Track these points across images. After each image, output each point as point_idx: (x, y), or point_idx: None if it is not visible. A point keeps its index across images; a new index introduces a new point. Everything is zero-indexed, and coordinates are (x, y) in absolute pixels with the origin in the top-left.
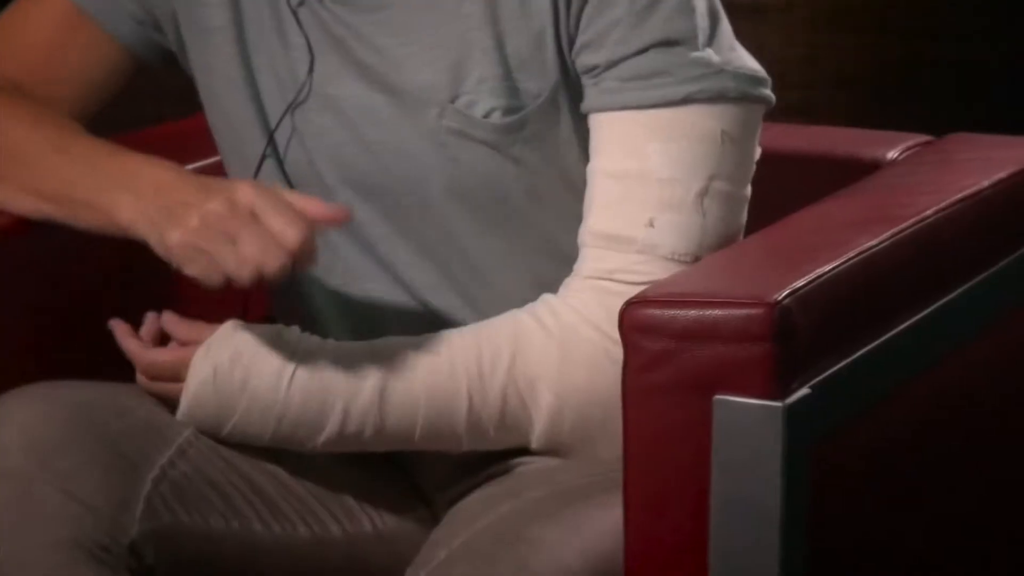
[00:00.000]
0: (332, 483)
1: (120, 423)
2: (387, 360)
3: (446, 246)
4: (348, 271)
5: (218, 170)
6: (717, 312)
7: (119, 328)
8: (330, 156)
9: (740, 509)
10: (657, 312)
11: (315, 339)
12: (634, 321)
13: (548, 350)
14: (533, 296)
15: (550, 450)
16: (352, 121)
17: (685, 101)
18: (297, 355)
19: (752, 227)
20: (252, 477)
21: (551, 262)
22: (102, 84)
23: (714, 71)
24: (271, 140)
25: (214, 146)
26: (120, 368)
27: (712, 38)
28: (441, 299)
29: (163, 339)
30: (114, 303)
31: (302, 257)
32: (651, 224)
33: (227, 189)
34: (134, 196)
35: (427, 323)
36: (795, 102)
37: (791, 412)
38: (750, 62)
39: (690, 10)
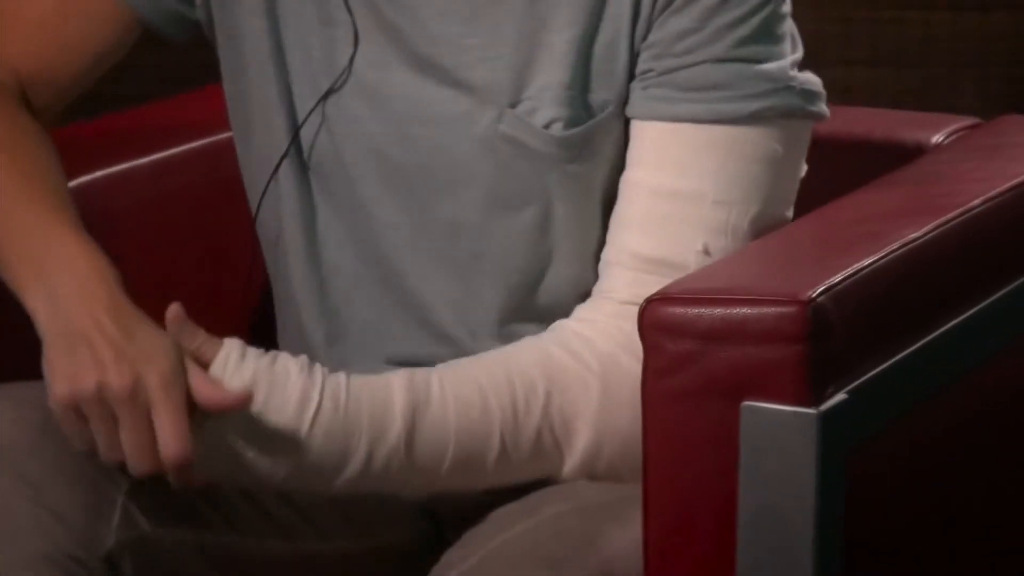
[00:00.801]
0: (333, 495)
1: None
2: (416, 398)
3: (471, 260)
4: (354, 279)
5: (207, 153)
6: (746, 310)
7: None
8: (361, 147)
9: (770, 525)
10: (680, 310)
11: (336, 375)
12: (655, 320)
13: (588, 387)
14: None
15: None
16: (394, 113)
17: (750, 119)
18: (319, 392)
19: None
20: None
21: (584, 277)
22: (104, 56)
23: (781, 86)
24: (296, 133)
25: (198, 130)
26: None
27: (784, 59)
28: (451, 317)
29: None
30: None
31: (175, 472)
32: (706, 250)
33: (141, 363)
34: (49, 300)
35: (434, 342)
36: (830, 81)
37: (825, 419)
38: (812, 77)
39: (775, 38)
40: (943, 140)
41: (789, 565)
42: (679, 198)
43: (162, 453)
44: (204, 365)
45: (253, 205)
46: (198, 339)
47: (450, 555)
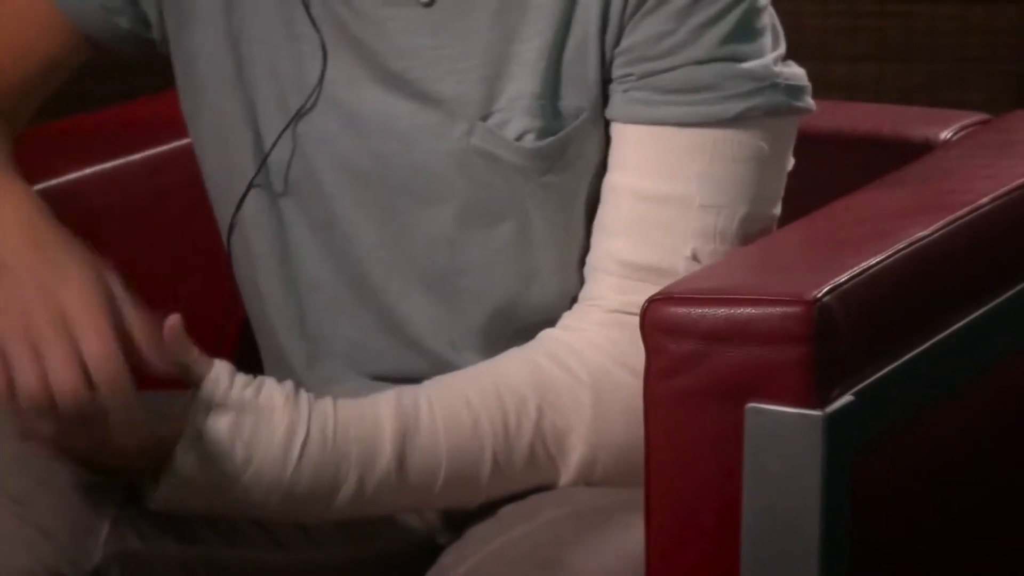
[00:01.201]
0: None
1: None
2: (405, 423)
3: (450, 276)
4: (332, 298)
5: (190, 154)
6: (750, 310)
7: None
8: (334, 165)
9: (774, 528)
10: (683, 311)
11: (322, 403)
12: (657, 320)
13: (580, 400)
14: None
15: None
16: (366, 130)
17: (735, 120)
18: (306, 423)
19: (790, 215)
20: None
21: (567, 286)
22: (55, 67)
23: (766, 84)
24: (266, 155)
25: (183, 126)
26: None
27: (766, 54)
28: (433, 334)
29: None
30: None
31: (104, 383)
32: (694, 256)
33: (61, 285)
34: None
35: (417, 358)
36: (836, 77)
37: (832, 421)
38: (797, 69)
39: (754, 33)
40: (951, 136)
41: (794, 569)
42: (665, 203)
43: (93, 373)
44: (194, 382)
45: (223, 227)
46: (191, 355)
47: (446, 558)
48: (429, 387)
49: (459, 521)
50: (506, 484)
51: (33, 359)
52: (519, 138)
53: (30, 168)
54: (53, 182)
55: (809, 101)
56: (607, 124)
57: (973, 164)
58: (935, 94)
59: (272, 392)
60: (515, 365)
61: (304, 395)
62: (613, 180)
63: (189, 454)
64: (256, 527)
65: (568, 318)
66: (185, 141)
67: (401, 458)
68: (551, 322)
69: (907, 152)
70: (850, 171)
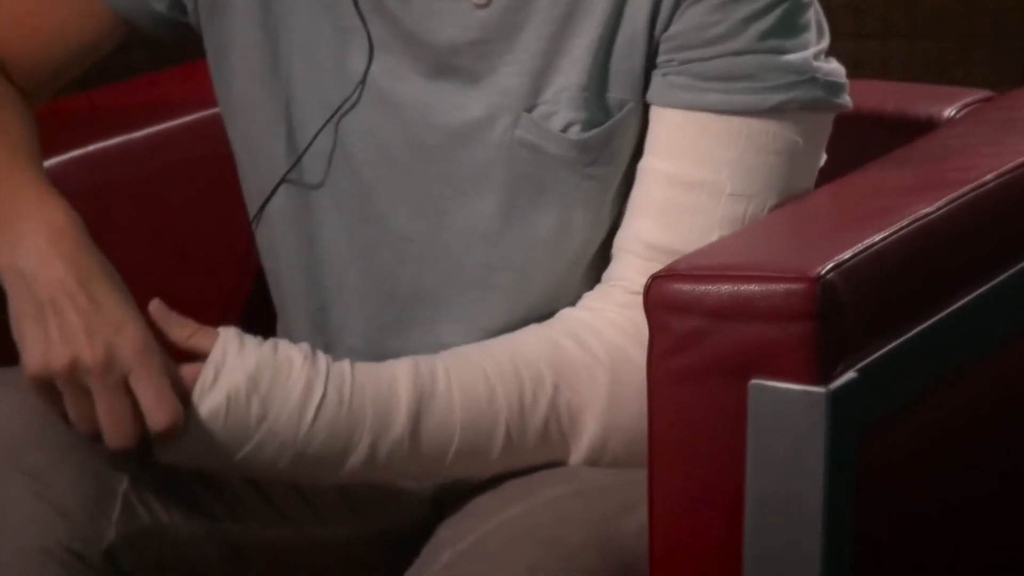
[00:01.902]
0: None
1: None
2: (421, 390)
3: (485, 272)
4: (357, 295)
5: (202, 126)
6: (754, 287)
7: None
8: (375, 157)
9: (778, 507)
10: (687, 288)
11: (340, 364)
12: (661, 298)
13: (596, 379)
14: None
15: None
16: (409, 122)
17: (772, 111)
18: (323, 383)
19: None
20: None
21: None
22: (88, 50)
23: (806, 78)
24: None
25: (193, 103)
26: None
27: (808, 49)
28: (461, 332)
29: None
30: None
31: (160, 440)
32: None
33: (111, 333)
34: (14, 252)
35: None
36: (841, 54)
37: (836, 398)
38: (836, 66)
39: (797, 28)
40: (955, 114)
41: (798, 546)
42: (696, 189)
43: (149, 421)
44: (199, 356)
45: (251, 216)
46: (188, 330)
47: (443, 533)
48: (447, 357)
49: (461, 496)
50: (517, 459)
51: (84, 401)
52: (564, 130)
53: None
54: (59, 158)
55: (847, 98)
56: (646, 111)
57: (977, 141)
58: (939, 72)
59: (290, 351)
60: (533, 341)
61: (321, 356)
62: (647, 163)
63: (204, 408)
64: (263, 502)
65: (590, 298)
66: (190, 118)
67: (415, 425)
68: None
69: (911, 130)
70: (854, 149)
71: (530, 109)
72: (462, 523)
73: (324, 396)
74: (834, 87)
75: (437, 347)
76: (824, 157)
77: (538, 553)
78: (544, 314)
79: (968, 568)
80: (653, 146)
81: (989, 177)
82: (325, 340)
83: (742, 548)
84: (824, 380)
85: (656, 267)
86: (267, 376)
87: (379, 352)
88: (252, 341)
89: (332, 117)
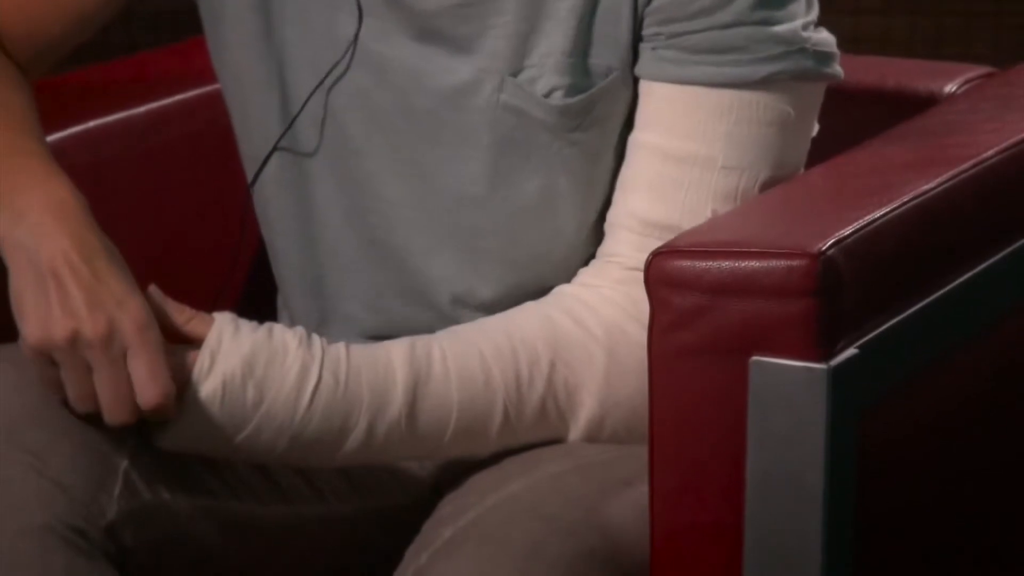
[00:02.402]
0: None
1: None
2: (417, 371)
3: (474, 236)
4: (352, 259)
5: (203, 102)
6: (754, 264)
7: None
8: (365, 120)
9: (779, 484)
10: (687, 264)
11: (335, 347)
12: (661, 274)
13: (593, 357)
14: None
15: None
16: (398, 85)
17: (762, 83)
18: (318, 366)
19: None
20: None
21: (592, 247)
22: (88, 19)
23: (796, 48)
24: (295, 115)
25: (194, 79)
26: None
27: (797, 19)
28: (453, 295)
29: None
30: None
31: (151, 417)
32: (714, 216)
33: (113, 307)
34: (16, 224)
35: (434, 320)
36: (841, 30)
37: (836, 375)
38: (827, 36)
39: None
40: (956, 90)
41: (799, 522)
42: (688, 163)
43: (140, 397)
44: (195, 341)
45: (249, 181)
46: (184, 315)
47: (444, 510)
48: (442, 337)
49: (460, 471)
50: (515, 437)
51: (83, 374)
52: (548, 95)
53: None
54: (60, 134)
55: (837, 68)
56: (636, 85)
57: (978, 118)
58: (940, 47)
59: (284, 335)
60: (529, 319)
61: (317, 339)
62: (638, 138)
63: (201, 393)
64: (264, 480)
65: (585, 275)
66: (191, 94)
67: (412, 406)
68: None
69: (912, 105)
70: (855, 124)
71: (515, 73)
72: (463, 500)
73: (320, 379)
74: (824, 57)
75: (432, 312)
76: (816, 127)
77: (538, 529)
78: (532, 280)
79: (968, 543)
80: (644, 121)
81: (990, 153)
82: (323, 308)
83: (743, 525)
84: (825, 357)
85: (651, 242)
86: (262, 360)
87: (377, 319)
88: (247, 326)
89: (324, 80)
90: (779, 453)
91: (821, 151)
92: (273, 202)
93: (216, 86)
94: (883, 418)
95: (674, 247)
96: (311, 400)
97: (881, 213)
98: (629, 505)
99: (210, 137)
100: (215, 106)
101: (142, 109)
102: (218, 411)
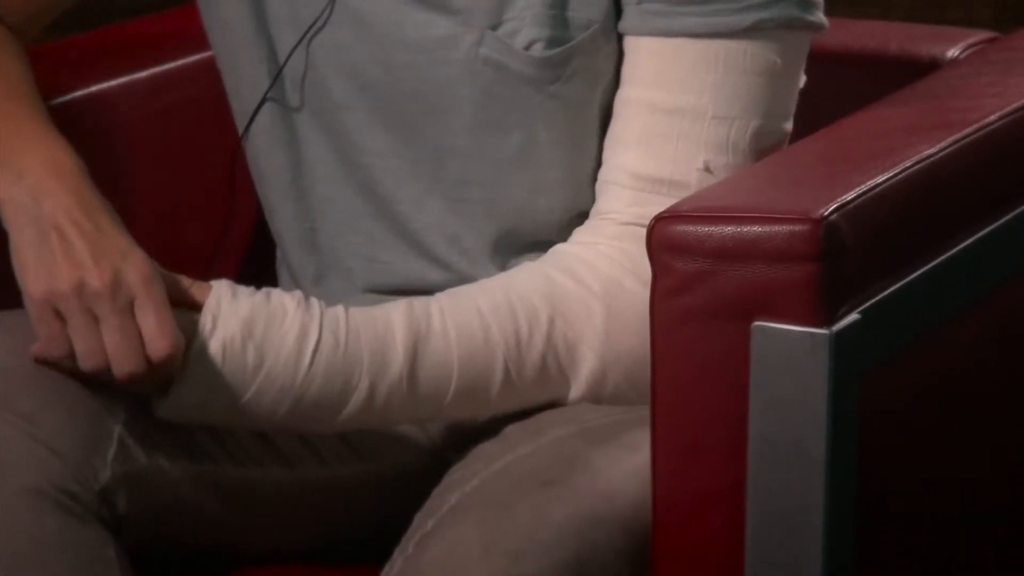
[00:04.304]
0: None
1: None
2: (416, 330)
3: (460, 186)
4: (345, 211)
5: (206, 67)
6: (757, 228)
7: None
8: (346, 76)
9: (781, 449)
10: (690, 228)
11: (334, 309)
12: (664, 239)
13: (592, 311)
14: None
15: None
16: (378, 40)
17: (748, 31)
18: (318, 326)
19: (796, 134)
20: None
21: (577, 201)
22: None
23: None
24: (279, 70)
25: (196, 43)
26: None
27: None
28: (445, 245)
29: None
30: None
31: (159, 371)
32: (707, 168)
33: (118, 259)
34: (16, 184)
35: (431, 269)
36: None
37: (839, 340)
38: None
39: None
40: (959, 54)
41: (801, 488)
42: (678, 115)
43: (149, 349)
44: (195, 308)
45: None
46: (183, 283)
47: (452, 477)
48: (440, 298)
49: (465, 440)
50: (516, 397)
51: (90, 325)
52: (528, 47)
53: (50, 82)
54: (62, 98)
55: (821, 16)
56: (620, 40)
57: (980, 82)
58: (942, 12)
59: (282, 297)
60: (527, 277)
61: (315, 301)
62: (626, 94)
63: (200, 360)
64: (263, 444)
65: (580, 233)
66: (194, 58)
67: (413, 366)
68: (561, 238)
69: (914, 70)
70: (857, 89)
71: (495, 27)
72: (469, 466)
73: (319, 339)
74: (808, 5)
75: (426, 259)
76: (803, 79)
77: (542, 495)
78: (517, 231)
79: (969, 508)
80: (631, 77)
81: (993, 118)
82: (320, 262)
83: (745, 490)
84: (827, 322)
85: (644, 196)
86: (261, 322)
87: (373, 270)
88: (245, 291)
89: (305, 35)
90: (781, 418)
91: (825, 115)
92: (264, 156)
93: None
94: (885, 383)
95: (676, 212)
96: (311, 361)
97: (884, 178)
98: (633, 470)
99: (212, 102)
100: (217, 71)
101: (144, 73)
102: (219, 375)
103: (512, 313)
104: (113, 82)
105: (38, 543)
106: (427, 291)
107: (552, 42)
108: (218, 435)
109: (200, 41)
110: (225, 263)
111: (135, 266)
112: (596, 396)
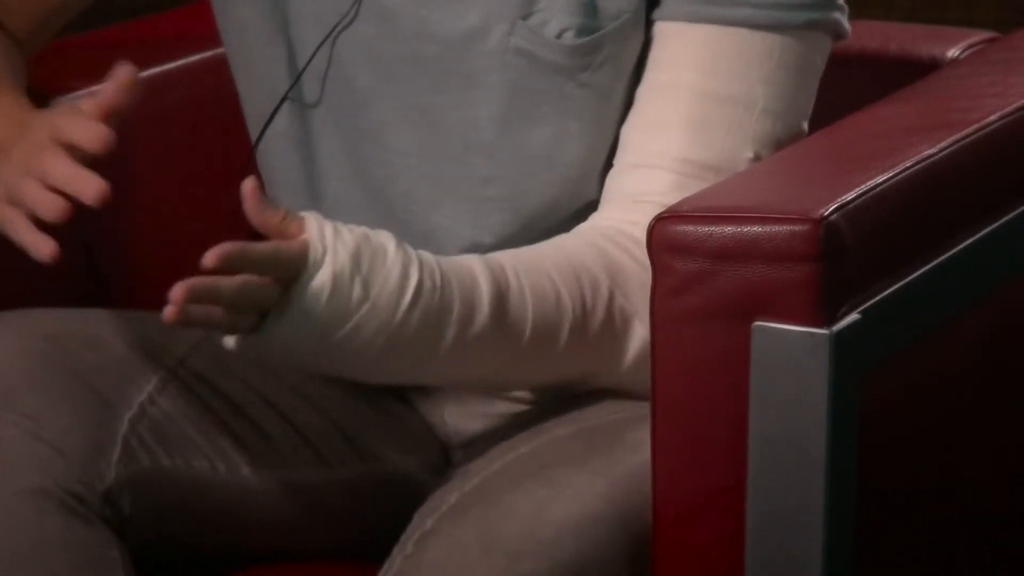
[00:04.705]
0: (335, 419)
1: (94, 356)
2: (498, 285)
3: (482, 184)
4: (357, 212)
5: (208, 66)
6: (757, 228)
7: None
8: (372, 71)
9: (781, 449)
10: (690, 228)
11: (427, 254)
12: (664, 239)
13: (646, 286)
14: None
15: (618, 389)
16: (404, 34)
17: (801, 28)
18: (417, 269)
19: None
20: (246, 412)
21: (588, 192)
22: None
23: (826, 1)
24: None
25: (198, 43)
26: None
27: None
28: (458, 245)
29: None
30: None
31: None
32: (757, 159)
33: (30, 127)
34: None
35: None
36: None
37: (839, 340)
38: None
39: None
40: (959, 54)
41: (801, 488)
42: (730, 103)
43: (90, 147)
44: (291, 238)
45: (254, 140)
46: (279, 214)
47: (453, 474)
48: (510, 257)
49: (465, 440)
50: (575, 362)
51: (41, 186)
52: (559, 36)
53: (50, 82)
54: (66, 97)
55: (848, 26)
56: (648, 29)
57: (981, 82)
58: (943, 12)
59: (380, 236)
60: (584, 248)
61: (407, 245)
62: (668, 78)
63: (311, 286)
64: (266, 446)
65: (619, 210)
66: (197, 57)
67: (497, 319)
68: (568, 228)
69: (914, 70)
70: (858, 89)
71: (526, 17)
72: (471, 464)
73: (420, 281)
74: (844, 11)
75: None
76: None
77: (543, 494)
78: (539, 231)
79: (970, 508)
80: (677, 62)
81: (993, 118)
82: None
83: (745, 490)
84: (827, 322)
85: (689, 181)
86: (367, 257)
87: None
88: (344, 226)
89: (331, 33)
90: (781, 418)
91: (825, 115)
92: (278, 159)
93: (219, 51)
94: (885, 383)
95: (676, 212)
96: (412, 301)
97: (884, 178)
98: (632, 469)
99: (213, 102)
100: (219, 71)
101: (144, 74)
102: (325, 305)
103: (578, 281)
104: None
105: (40, 543)
106: None
107: (583, 30)
108: (221, 437)
109: (200, 41)
110: None
111: (55, 116)
112: (640, 371)
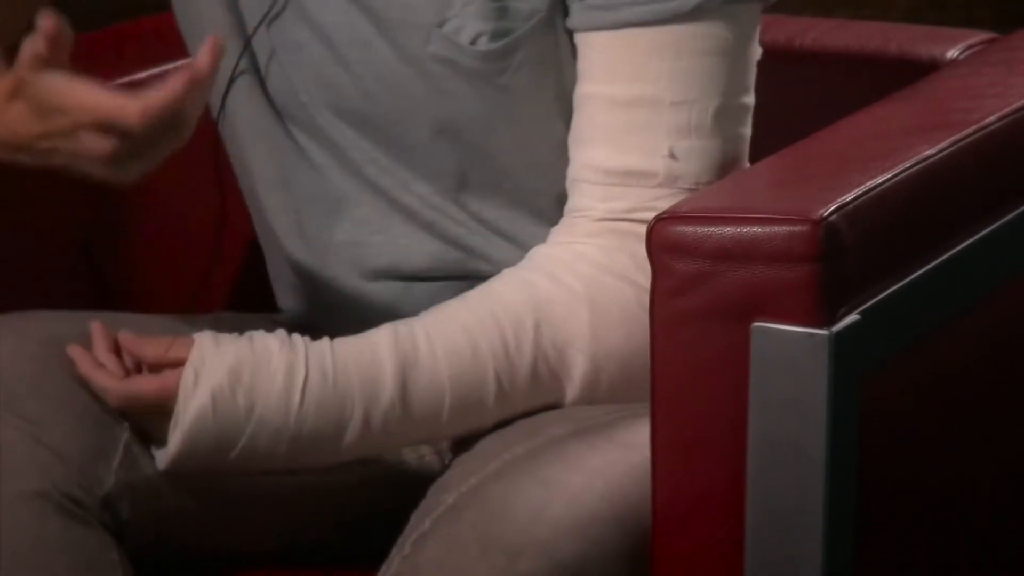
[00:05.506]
0: None
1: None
2: (404, 355)
3: (439, 179)
4: (331, 196)
5: None
6: (756, 229)
7: (81, 357)
8: (309, 75)
9: (781, 450)
10: (689, 229)
11: (318, 343)
12: (664, 240)
13: (576, 312)
14: (529, 226)
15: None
16: (333, 41)
17: (694, 13)
18: (304, 363)
19: (795, 135)
20: None
21: (548, 195)
22: None
23: None
24: (246, 49)
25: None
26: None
27: None
28: (440, 216)
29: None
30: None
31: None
32: (671, 154)
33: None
34: None
35: (424, 245)
36: None
37: (838, 341)
38: None
39: None
40: (958, 55)
41: (800, 489)
42: (636, 106)
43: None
44: (181, 365)
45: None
46: (163, 345)
47: (449, 476)
48: (423, 318)
49: (462, 440)
50: (512, 406)
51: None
52: (473, 42)
53: None
54: None
55: None
56: (567, 31)
57: (980, 83)
58: (942, 13)
59: (265, 340)
60: (508, 285)
61: (298, 338)
62: (582, 91)
63: (191, 410)
64: None
65: (556, 233)
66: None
67: (404, 390)
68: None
69: (914, 71)
70: (857, 90)
71: (440, 24)
72: (467, 465)
73: (307, 376)
74: None
75: (429, 233)
76: (759, 51)
77: (539, 494)
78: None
79: (969, 509)
80: (586, 73)
81: (993, 118)
82: (311, 252)
83: (744, 490)
84: (827, 322)
85: (614, 191)
86: (247, 367)
87: (368, 255)
88: (228, 338)
89: (258, 27)
90: (781, 419)
91: (823, 116)
92: (247, 152)
93: None
94: (885, 384)
95: (676, 212)
96: (302, 398)
97: (884, 178)
98: (630, 469)
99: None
100: None
101: (144, 74)
102: (212, 424)
103: (497, 324)
104: (113, 82)
105: (39, 545)
106: (425, 273)
107: (496, 35)
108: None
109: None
110: (222, 265)
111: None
112: (592, 396)
